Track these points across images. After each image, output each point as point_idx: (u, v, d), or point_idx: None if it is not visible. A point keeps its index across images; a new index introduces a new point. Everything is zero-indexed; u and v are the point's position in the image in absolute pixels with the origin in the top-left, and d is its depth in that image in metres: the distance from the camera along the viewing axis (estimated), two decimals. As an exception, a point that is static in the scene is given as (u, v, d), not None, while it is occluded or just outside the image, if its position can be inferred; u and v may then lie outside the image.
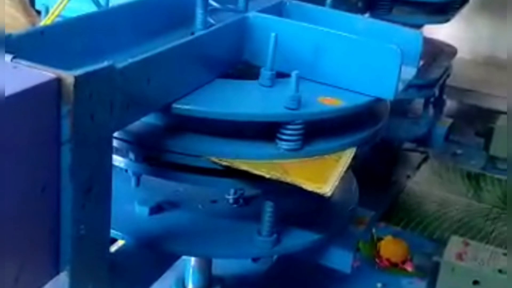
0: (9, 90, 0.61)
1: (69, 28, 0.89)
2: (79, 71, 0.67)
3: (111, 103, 0.73)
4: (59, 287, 0.74)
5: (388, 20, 1.23)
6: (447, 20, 1.92)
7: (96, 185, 0.73)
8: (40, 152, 0.66)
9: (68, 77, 0.66)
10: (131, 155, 0.96)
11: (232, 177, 0.96)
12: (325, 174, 0.93)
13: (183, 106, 0.90)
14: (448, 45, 2.13)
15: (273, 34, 0.95)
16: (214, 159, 0.93)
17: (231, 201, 1.13)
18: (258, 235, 1.02)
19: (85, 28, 0.92)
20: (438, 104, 2.08)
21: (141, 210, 1.07)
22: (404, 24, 1.26)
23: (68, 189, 0.69)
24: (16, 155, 0.63)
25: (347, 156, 0.99)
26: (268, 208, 1.01)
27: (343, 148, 0.99)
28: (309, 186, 0.90)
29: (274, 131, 0.94)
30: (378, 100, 1.01)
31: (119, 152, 0.95)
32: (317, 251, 1.14)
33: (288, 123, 0.92)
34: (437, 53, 2.04)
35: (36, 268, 0.70)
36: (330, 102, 0.97)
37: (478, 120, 2.42)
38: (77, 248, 0.73)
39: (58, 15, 0.95)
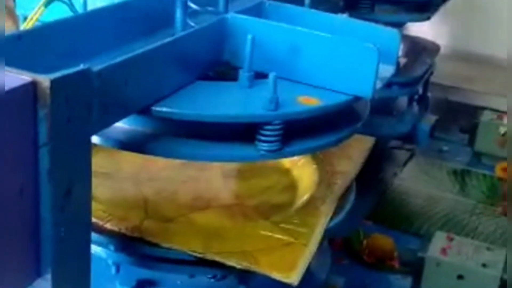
0: (-16, 95, 0.61)
1: (48, 32, 0.89)
2: (55, 75, 0.68)
3: (88, 106, 0.73)
4: (40, 290, 0.74)
5: (370, 19, 1.24)
6: (428, 18, 1.94)
7: (75, 187, 0.73)
8: (17, 155, 0.66)
9: (44, 80, 0.67)
10: (111, 247, 1.01)
11: (205, 265, 1.00)
12: (293, 261, 0.97)
13: (162, 109, 0.91)
14: (431, 42, 2.14)
15: (249, 36, 0.96)
16: (187, 250, 0.98)
17: (209, 275, 1.15)
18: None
19: (63, 32, 0.92)
20: (422, 101, 2.10)
21: None
22: (386, 22, 1.27)
23: (46, 191, 0.70)
24: (-7, 159, 0.64)
25: (315, 241, 1.03)
26: None
27: (322, 148, 1.01)
28: (277, 276, 0.95)
29: (254, 133, 0.95)
30: (357, 99, 1.02)
31: (99, 244, 1.01)
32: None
33: (267, 124, 0.93)
34: (420, 50, 2.06)
35: (16, 272, 0.71)
36: (309, 102, 0.98)
37: (462, 116, 2.44)
38: (58, 251, 0.73)
39: (37, 20, 0.95)
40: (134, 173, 1.23)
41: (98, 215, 1.02)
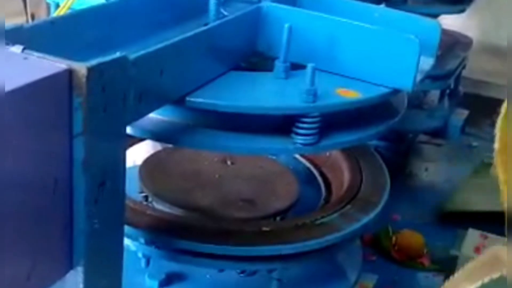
0: (19, 82, 0.59)
1: (81, 19, 0.88)
2: (91, 62, 0.66)
3: (124, 95, 0.71)
4: (73, 283, 0.72)
5: (404, 10, 1.20)
6: (462, 10, 1.90)
7: (110, 178, 0.71)
8: (52, 145, 0.65)
9: (81, 68, 0.64)
10: (141, 239, 0.99)
11: (234, 260, 0.98)
12: None
13: (197, 99, 0.88)
14: (464, 36, 2.09)
15: (286, 25, 0.93)
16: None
17: (238, 270, 1.13)
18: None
19: (97, 19, 0.90)
20: (454, 95, 2.05)
21: (151, 284, 1.09)
22: (420, 14, 1.23)
23: (81, 183, 0.68)
24: (28, 147, 0.62)
25: None
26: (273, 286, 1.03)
27: (359, 142, 0.98)
28: None
29: (290, 125, 0.92)
30: (396, 92, 0.99)
31: (129, 237, 0.98)
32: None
33: (304, 116, 0.90)
34: (452, 43, 2.01)
35: (49, 264, 0.69)
36: (347, 94, 0.95)
37: (493, 111, 2.39)
38: (91, 243, 0.72)
39: (69, 8, 0.93)
40: None
41: None
